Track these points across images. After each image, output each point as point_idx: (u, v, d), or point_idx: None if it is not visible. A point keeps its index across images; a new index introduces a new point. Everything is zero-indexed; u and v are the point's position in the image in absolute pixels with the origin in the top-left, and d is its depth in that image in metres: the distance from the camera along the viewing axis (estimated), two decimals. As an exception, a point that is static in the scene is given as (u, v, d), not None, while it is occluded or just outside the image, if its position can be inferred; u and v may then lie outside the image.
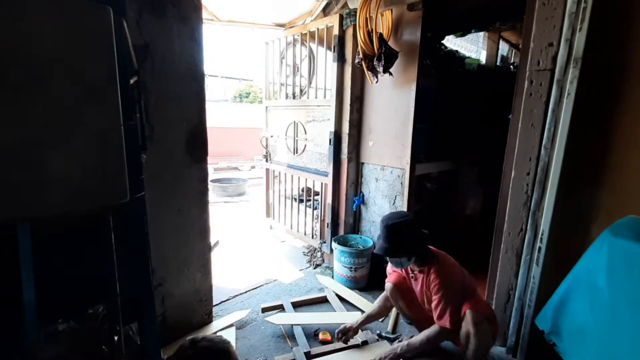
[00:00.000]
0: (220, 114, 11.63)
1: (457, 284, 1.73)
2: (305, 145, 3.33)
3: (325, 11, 3.13)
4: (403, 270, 1.92)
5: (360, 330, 2.01)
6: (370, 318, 2.03)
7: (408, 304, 1.97)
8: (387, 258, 1.84)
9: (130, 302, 1.11)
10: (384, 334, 2.13)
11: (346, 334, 1.95)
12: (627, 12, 1.48)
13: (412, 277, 1.88)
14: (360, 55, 2.49)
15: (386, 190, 2.79)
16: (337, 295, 2.58)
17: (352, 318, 2.25)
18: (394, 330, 2.19)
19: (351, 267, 2.69)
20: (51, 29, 0.81)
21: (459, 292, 1.72)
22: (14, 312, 0.86)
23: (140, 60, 1.59)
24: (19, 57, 0.78)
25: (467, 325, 1.64)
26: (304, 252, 3.47)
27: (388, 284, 1.98)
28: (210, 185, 5.92)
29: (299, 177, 3.50)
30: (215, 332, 2.05)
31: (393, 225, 1.70)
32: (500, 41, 4.19)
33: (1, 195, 0.79)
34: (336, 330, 1.96)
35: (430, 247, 1.82)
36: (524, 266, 1.80)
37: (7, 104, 0.78)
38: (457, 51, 3.84)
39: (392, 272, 2.00)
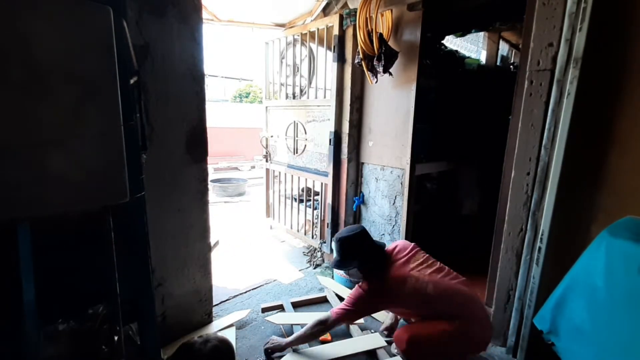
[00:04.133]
0: (220, 114, 11.62)
1: (368, 308, 1.83)
2: (305, 145, 3.33)
3: (325, 11, 3.13)
4: None
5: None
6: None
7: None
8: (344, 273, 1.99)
9: (130, 302, 1.11)
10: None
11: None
12: (627, 12, 1.48)
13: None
14: (360, 55, 2.49)
15: (386, 190, 2.79)
16: (337, 295, 2.58)
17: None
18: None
19: (351, 267, 2.69)
20: (51, 28, 0.81)
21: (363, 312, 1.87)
22: (14, 312, 0.86)
23: (140, 60, 1.59)
24: (18, 57, 0.78)
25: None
26: (304, 252, 3.47)
27: None
28: (210, 185, 5.93)
29: (299, 177, 3.49)
30: (215, 332, 2.05)
31: (342, 239, 1.83)
32: (500, 41, 4.19)
33: (1, 195, 0.79)
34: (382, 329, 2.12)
35: (397, 263, 1.80)
36: (524, 266, 1.80)
37: (7, 103, 0.78)
38: (457, 51, 3.85)
39: None
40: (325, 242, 3.19)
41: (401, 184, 2.66)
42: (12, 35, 0.77)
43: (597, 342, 1.27)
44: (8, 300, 0.87)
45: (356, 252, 1.80)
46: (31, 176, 0.82)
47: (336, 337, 2.11)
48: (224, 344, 1.25)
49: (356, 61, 2.56)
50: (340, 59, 2.85)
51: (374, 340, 2.02)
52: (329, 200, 3.08)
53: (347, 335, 2.15)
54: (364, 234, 1.85)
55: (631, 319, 1.17)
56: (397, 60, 2.44)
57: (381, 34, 2.39)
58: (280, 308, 2.41)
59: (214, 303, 2.28)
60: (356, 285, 1.83)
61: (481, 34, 4.56)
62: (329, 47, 2.98)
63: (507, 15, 3.13)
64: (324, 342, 2.06)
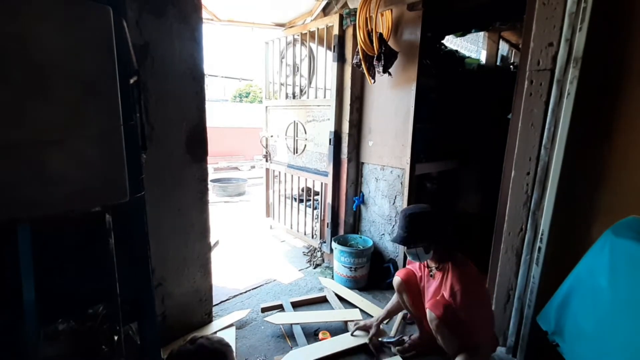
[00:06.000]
0: (220, 114, 11.62)
1: (484, 295, 1.64)
2: (305, 145, 3.33)
3: (325, 11, 3.13)
4: (420, 267, 1.86)
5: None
6: (390, 313, 2.05)
7: (412, 300, 1.91)
8: (405, 250, 1.77)
9: (130, 302, 1.10)
10: (385, 340, 2.04)
11: (366, 330, 2.02)
12: (627, 12, 1.48)
13: (430, 275, 1.80)
14: (359, 55, 2.49)
15: (386, 190, 2.79)
16: (336, 295, 2.58)
17: (351, 316, 2.27)
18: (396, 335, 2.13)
19: (351, 267, 2.69)
20: (51, 28, 0.81)
21: (488, 304, 1.66)
22: (14, 312, 0.86)
23: (140, 59, 1.59)
24: (19, 56, 0.78)
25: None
26: (303, 252, 3.47)
27: (397, 278, 1.93)
28: (210, 185, 5.92)
29: (299, 177, 3.49)
30: (215, 332, 2.05)
31: (413, 215, 1.69)
32: (500, 41, 4.19)
33: (1, 195, 0.79)
34: (355, 326, 2.04)
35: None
36: (524, 266, 1.80)
37: (7, 103, 0.77)
38: (457, 51, 3.85)
39: (405, 268, 1.97)
40: (325, 242, 3.19)
41: (401, 183, 2.66)
42: (12, 34, 0.77)
43: (602, 344, 1.26)
44: (8, 300, 0.87)
45: (428, 230, 1.67)
46: (31, 176, 0.82)
47: (334, 335, 2.11)
48: (210, 342, 1.20)
49: (354, 61, 2.56)
50: (340, 59, 2.85)
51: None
52: (329, 200, 3.08)
53: (345, 331, 2.16)
54: (436, 213, 1.72)
55: (636, 320, 1.17)
56: (397, 60, 2.44)
57: (381, 34, 2.39)
58: (280, 308, 2.41)
59: (214, 303, 2.29)
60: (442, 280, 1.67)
61: (481, 34, 4.56)
62: (329, 47, 2.98)
63: (507, 15, 3.13)
64: (323, 340, 2.06)
